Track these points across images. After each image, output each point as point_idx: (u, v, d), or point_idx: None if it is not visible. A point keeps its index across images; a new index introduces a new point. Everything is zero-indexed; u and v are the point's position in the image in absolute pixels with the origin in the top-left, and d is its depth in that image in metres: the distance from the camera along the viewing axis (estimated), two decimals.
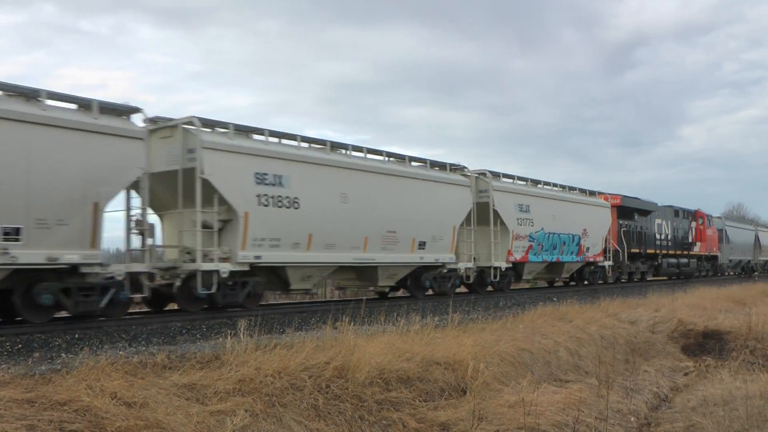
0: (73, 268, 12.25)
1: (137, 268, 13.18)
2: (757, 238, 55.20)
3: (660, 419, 11.73)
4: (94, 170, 12.38)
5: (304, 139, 16.87)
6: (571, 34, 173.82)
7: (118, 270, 12.78)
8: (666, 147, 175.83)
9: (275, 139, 16.23)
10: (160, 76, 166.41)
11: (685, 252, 40.48)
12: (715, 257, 45.72)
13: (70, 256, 12.06)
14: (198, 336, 12.06)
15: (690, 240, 41.23)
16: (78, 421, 6.42)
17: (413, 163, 20.31)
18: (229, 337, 9.99)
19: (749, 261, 53.35)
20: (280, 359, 8.97)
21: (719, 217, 50.37)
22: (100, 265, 12.56)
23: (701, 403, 11.86)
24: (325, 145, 17.38)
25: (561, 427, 9.50)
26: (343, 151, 18.01)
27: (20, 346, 10.24)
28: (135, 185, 13.42)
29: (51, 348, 10.25)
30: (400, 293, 22.11)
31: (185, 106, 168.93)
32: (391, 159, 19.60)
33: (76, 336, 11.16)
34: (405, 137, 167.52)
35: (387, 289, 20.88)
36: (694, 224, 42.09)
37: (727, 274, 48.16)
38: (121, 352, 9.77)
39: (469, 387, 10.38)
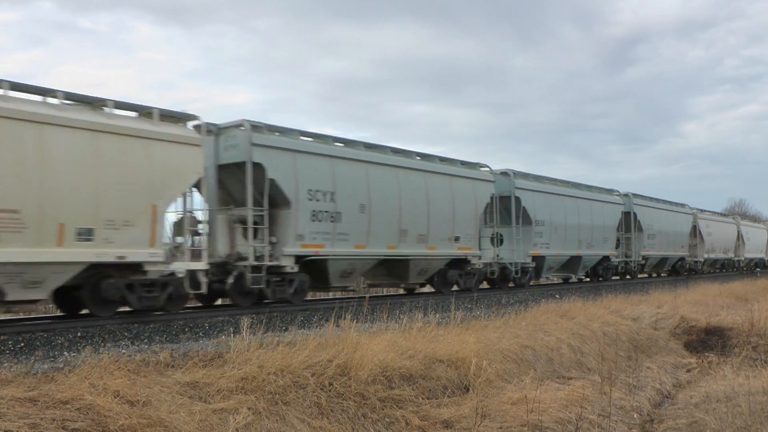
0: None
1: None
2: None
3: (663, 416, 11.72)
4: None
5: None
6: (571, 30, 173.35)
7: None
8: (667, 143, 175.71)
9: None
10: (159, 73, 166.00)
11: None
12: None
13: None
14: (201, 334, 12.07)
15: None
16: (81, 420, 6.41)
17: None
18: (232, 335, 9.99)
19: None
20: (283, 357, 8.96)
21: None
22: None
23: (704, 400, 11.85)
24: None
25: (564, 424, 9.49)
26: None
27: (23, 344, 10.25)
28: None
29: (53, 346, 10.26)
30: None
31: (185, 103, 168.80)
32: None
33: (79, 334, 11.16)
34: (406, 134, 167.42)
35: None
36: None
37: None
38: (123, 351, 9.78)
39: (472, 384, 10.37)
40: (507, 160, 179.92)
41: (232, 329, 11.43)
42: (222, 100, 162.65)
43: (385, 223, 18.48)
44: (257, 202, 15.66)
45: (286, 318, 13.88)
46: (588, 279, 31.90)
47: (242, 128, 15.74)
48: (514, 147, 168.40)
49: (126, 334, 11.52)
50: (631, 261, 32.92)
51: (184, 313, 14.46)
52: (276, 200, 16.05)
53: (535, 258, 25.64)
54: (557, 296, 20.74)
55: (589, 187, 31.09)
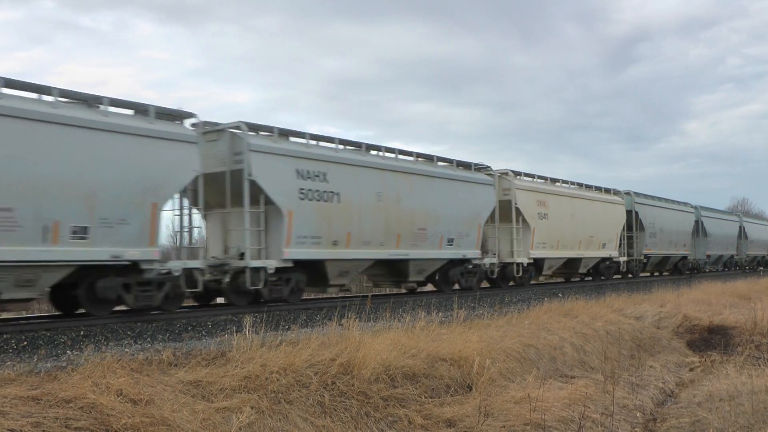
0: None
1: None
2: None
3: (666, 414, 11.70)
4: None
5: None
6: (573, 29, 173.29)
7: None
8: (669, 142, 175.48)
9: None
10: (161, 72, 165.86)
11: None
12: None
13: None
14: (203, 333, 12.06)
15: None
16: (84, 419, 6.42)
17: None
18: (234, 334, 9.98)
19: None
20: (286, 356, 8.96)
21: None
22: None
23: (707, 399, 11.83)
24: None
25: (567, 422, 9.48)
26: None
27: (25, 343, 10.25)
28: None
29: (56, 345, 10.26)
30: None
31: (187, 102, 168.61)
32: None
33: (82, 333, 11.17)
34: (408, 133, 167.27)
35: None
36: None
37: None
38: (126, 350, 9.79)
39: (475, 383, 10.36)
40: (509, 159, 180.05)
41: (234, 328, 11.44)
42: (223, 98, 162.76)
43: (665, 236, 36.17)
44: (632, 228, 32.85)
45: (288, 317, 13.88)
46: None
47: (628, 195, 32.73)
48: (516, 146, 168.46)
49: (128, 332, 11.53)
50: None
51: (186, 312, 14.48)
52: (639, 228, 33.20)
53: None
54: (560, 295, 20.72)
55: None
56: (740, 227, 49.46)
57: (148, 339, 11.21)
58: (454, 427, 8.96)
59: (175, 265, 13.71)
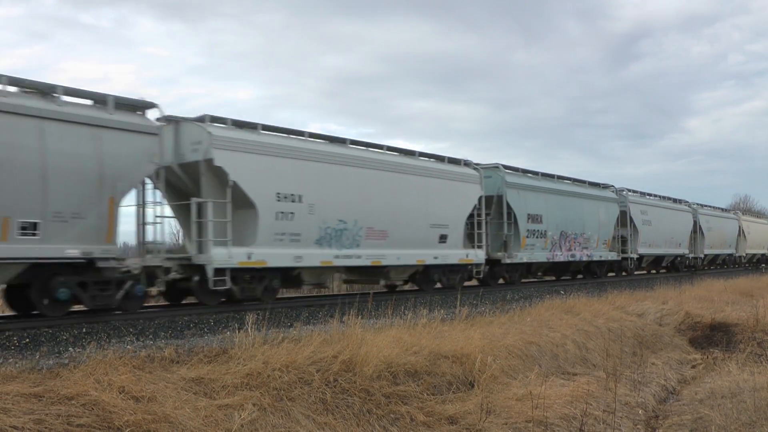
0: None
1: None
2: None
3: (668, 412, 11.70)
4: None
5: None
6: (574, 25, 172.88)
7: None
8: (671, 139, 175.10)
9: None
10: (162, 69, 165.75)
11: None
12: None
13: None
14: (206, 330, 12.06)
15: None
16: (86, 416, 6.42)
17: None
18: (237, 331, 9.99)
19: None
20: (288, 353, 8.96)
21: None
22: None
23: (709, 396, 11.82)
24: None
25: (569, 420, 9.47)
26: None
27: (27, 340, 10.26)
28: None
29: (58, 342, 10.26)
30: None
31: (188, 99, 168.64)
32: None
33: (84, 330, 11.17)
34: (409, 130, 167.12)
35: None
36: None
37: None
38: (128, 347, 9.79)
39: (477, 380, 10.36)
40: (511, 156, 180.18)
41: (236, 325, 11.44)
42: (224, 95, 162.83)
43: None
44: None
45: (290, 314, 13.87)
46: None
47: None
48: (518, 142, 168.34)
49: (131, 329, 11.53)
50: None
51: (189, 309, 14.48)
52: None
53: None
54: (562, 292, 20.71)
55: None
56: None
57: (151, 336, 11.21)
58: (456, 425, 8.96)
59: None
